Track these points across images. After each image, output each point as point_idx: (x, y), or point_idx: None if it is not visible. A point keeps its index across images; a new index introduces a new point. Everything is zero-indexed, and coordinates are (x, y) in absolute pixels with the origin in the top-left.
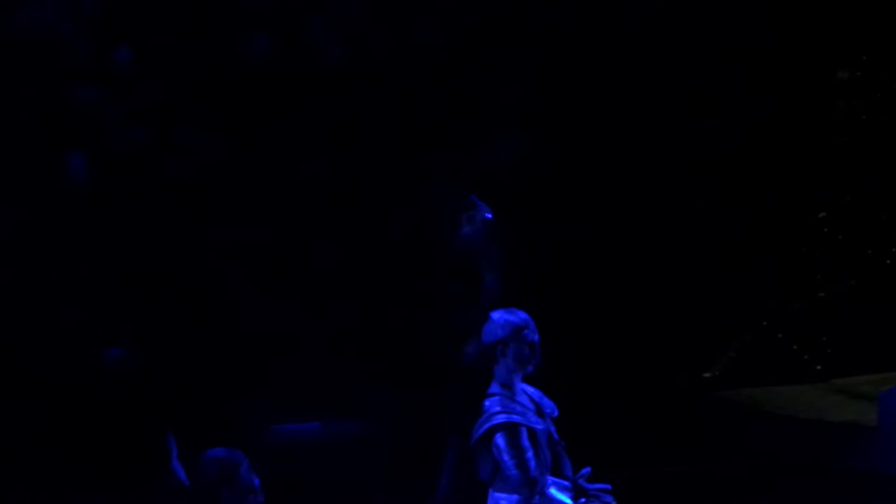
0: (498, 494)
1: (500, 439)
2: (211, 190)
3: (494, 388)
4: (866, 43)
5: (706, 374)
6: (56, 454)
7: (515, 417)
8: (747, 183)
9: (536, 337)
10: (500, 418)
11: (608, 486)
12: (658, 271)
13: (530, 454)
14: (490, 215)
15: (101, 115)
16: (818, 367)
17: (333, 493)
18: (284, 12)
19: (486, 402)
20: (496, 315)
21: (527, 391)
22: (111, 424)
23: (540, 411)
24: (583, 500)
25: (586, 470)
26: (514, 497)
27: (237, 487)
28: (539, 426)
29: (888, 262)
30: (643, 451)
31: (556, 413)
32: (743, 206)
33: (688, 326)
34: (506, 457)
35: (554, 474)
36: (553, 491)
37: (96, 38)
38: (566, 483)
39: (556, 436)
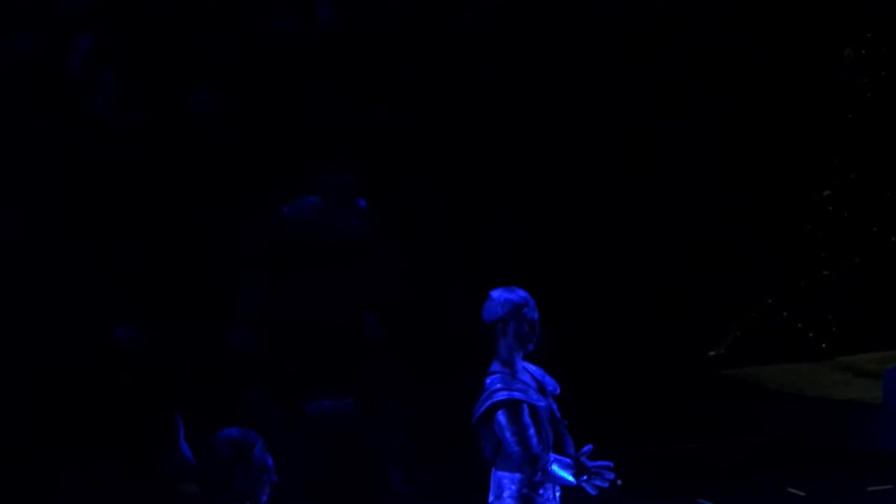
0: (500, 473)
1: (501, 416)
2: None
3: (495, 366)
4: (871, 21)
5: (711, 353)
6: (65, 435)
7: (517, 395)
8: (751, 161)
9: (536, 315)
10: (502, 395)
11: (610, 464)
12: (664, 249)
13: (532, 431)
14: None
15: (96, 95)
16: (823, 346)
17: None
18: None
19: (488, 380)
20: (496, 293)
21: (528, 369)
22: (119, 405)
23: (542, 389)
24: (584, 477)
25: (588, 447)
26: (517, 475)
27: (251, 468)
28: (541, 403)
29: (894, 239)
30: (647, 428)
31: (558, 391)
32: (746, 184)
33: (693, 305)
34: (508, 434)
35: (556, 452)
36: (555, 468)
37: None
38: (568, 461)
39: (558, 413)
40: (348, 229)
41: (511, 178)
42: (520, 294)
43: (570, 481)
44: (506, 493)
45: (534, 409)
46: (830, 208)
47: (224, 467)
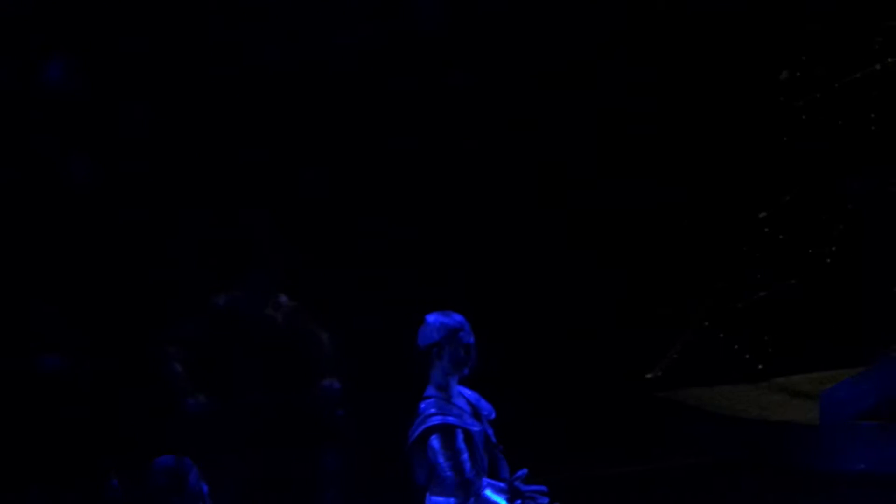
0: (434, 498)
1: (434, 441)
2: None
3: (430, 390)
4: (806, 43)
5: (648, 375)
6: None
7: (451, 419)
8: (688, 182)
9: (472, 339)
10: (435, 420)
11: (544, 488)
12: (600, 270)
13: (465, 456)
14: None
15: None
16: (760, 367)
17: None
18: None
19: (422, 405)
20: (431, 318)
21: (463, 394)
22: (50, 433)
23: (477, 413)
24: (518, 501)
25: (523, 472)
26: (451, 500)
27: (187, 495)
28: (475, 428)
29: (828, 261)
30: (585, 452)
31: (493, 415)
32: (683, 205)
33: (629, 326)
34: (441, 459)
35: (491, 477)
36: (489, 493)
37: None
38: (502, 485)
39: (493, 438)
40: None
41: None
42: (455, 318)
43: None
44: None
45: (468, 434)
46: (766, 230)
47: (160, 495)
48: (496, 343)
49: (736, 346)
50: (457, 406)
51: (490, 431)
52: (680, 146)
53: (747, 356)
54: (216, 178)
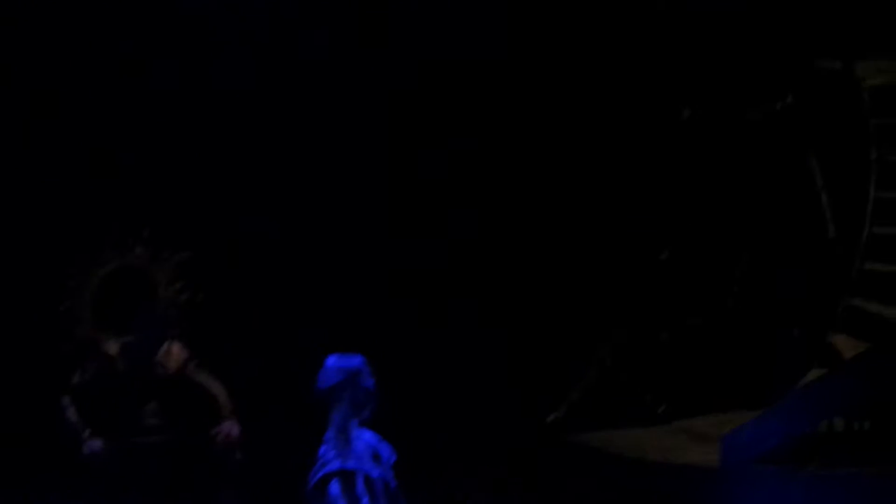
0: None
1: (334, 487)
2: None
3: (329, 434)
4: (705, 82)
5: (550, 418)
6: None
7: (350, 464)
8: (590, 222)
9: (372, 382)
10: (335, 465)
11: None
12: (498, 313)
13: (365, 501)
14: None
15: None
16: (661, 409)
17: None
18: None
19: (321, 449)
20: (331, 361)
21: (363, 437)
22: None
23: (377, 457)
24: None
25: None
26: None
27: None
28: (375, 473)
29: (729, 302)
30: (486, 494)
31: (393, 459)
32: (586, 244)
33: (530, 370)
34: None
35: None
36: None
37: None
38: None
39: (392, 482)
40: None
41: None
42: (354, 361)
43: None
44: None
45: (368, 479)
46: (668, 270)
47: None
48: (393, 385)
49: (637, 388)
50: (356, 450)
51: (390, 475)
52: (582, 184)
53: (649, 398)
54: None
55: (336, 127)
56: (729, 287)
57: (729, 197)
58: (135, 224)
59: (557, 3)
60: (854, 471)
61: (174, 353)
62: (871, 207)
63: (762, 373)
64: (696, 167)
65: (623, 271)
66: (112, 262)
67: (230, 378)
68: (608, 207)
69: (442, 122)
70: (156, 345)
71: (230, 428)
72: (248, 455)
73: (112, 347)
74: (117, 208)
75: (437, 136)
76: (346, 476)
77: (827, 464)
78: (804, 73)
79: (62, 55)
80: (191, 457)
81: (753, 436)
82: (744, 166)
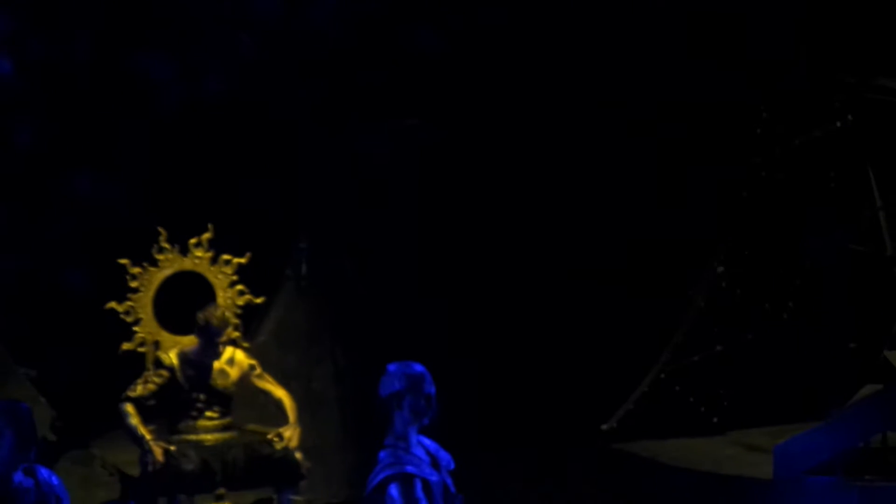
0: None
1: (393, 490)
2: None
3: (390, 439)
4: (768, 99)
5: (604, 427)
6: None
7: (409, 468)
8: (637, 231)
9: (433, 389)
10: (394, 469)
11: None
12: (554, 324)
13: None
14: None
15: None
16: (715, 420)
17: None
18: None
19: (381, 454)
20: (393, 368)
21: (423, 443)
22: None
23: (436, 463)
24: None
25: None
26: None
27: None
28: (434, 478)
29: (784, 316)
30: (541, 501)
31: (452, 465)
32: (637, 256)
33: (585, 378)
34: None
35: None
36: None
37: None
38: None
39: (452, 488)
40: None
41: None
42: (416, 368)
43: None
44: None
45: (426, 484)
46: (723, 283)
47: None
48: (455, 392)
49: (691, 399)
50: (416, 455)
51: (449, 481)
52: (636, 195)
53: (702, 409)
54: None
55: None
56: (785, 300)
57: (788, 209)
58: (195, 227)
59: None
60: None
61: (237, 360)
62: None
63: (817, 386)
64: (754, 183)
65: (681, 282)
66: (173, 264)
67: (291, 384)
68: (669, 215)
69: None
70: (215, 351)
71: (292, 432)
72: (308, 459)
73: (172, 358)
74: (179, 209)
75: None
76: (405, 480)
77: (879, 477)
78: (863, 89)
79: None
80: (253, 458)
81: (806, 448)
82: (804, 180)
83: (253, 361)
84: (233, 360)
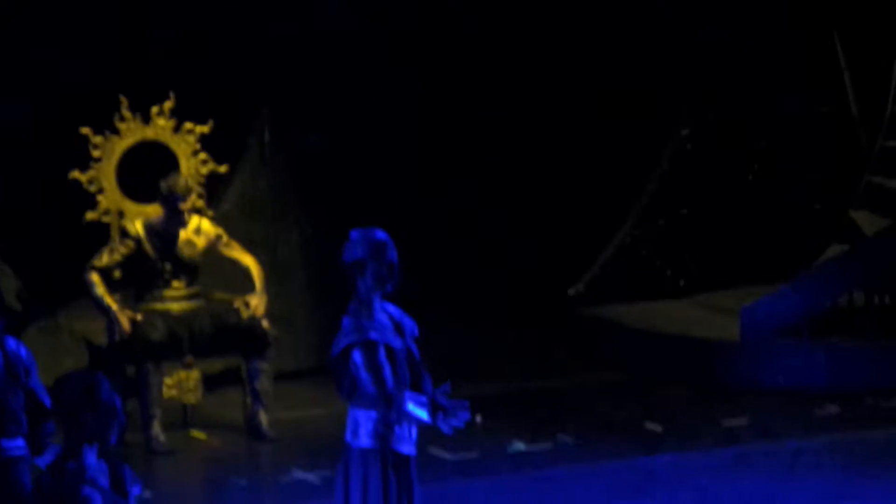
0: (357, 410)
1: (357, 355)
2: None
3: (353, 306)
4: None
5: (571, 291)
6: None
7: (372, 335)
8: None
9: (395, 256)
10: (357, 336)
11: (465, 403)
12: (523, 189)
13: (387, 371)
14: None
15: None
16: (681, 283)
17: None
18: None
19: (345, 320)
20: (355, 234)
21: (387, 310)
22: None
23: (400, 330)
24: (440, 414)
25: (446, 386)
26: (373, 412)
27: (99, 408)
28: (397, 344)
29: (750, 178)
30: (503, 367)
31: (416, 332)
32: (609, 130)
33: (551, 243)
34: (363, 373)
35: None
36: (410, 407)
37: None
38: (424, 399)
39: (417, 355)
40: None
41: None
42: (378, 235)
43: (425, 420)
44: (362, 431)
45: (389, 350)
46: (689, 146)
47: (73, 407)
48: (417, 260)
49: (658, 263)
50: (379, 321)
51: (414, 348)
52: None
53: (669, 272)
54: None
55: None
56: (750, 163)
57: (755, 71)
58: (158, 95)
59: None
60: (873, 343)
61: (203, 229)
62: (894, 86)
63: (783, 247)
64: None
65: (643, 144)
66: (135, 133)
67: (257, 252)
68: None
69: None
70: (180, 220)
71: (259, 300)
72: (275, 327)
73: (138, 227)
74: (141, 78)
75: None
76: (368, 346)
77: (846, 337)
78: None
79: None
80: (220, 327)
81: (773, 309)
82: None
83: (220, 230)
84: (199, 230)
